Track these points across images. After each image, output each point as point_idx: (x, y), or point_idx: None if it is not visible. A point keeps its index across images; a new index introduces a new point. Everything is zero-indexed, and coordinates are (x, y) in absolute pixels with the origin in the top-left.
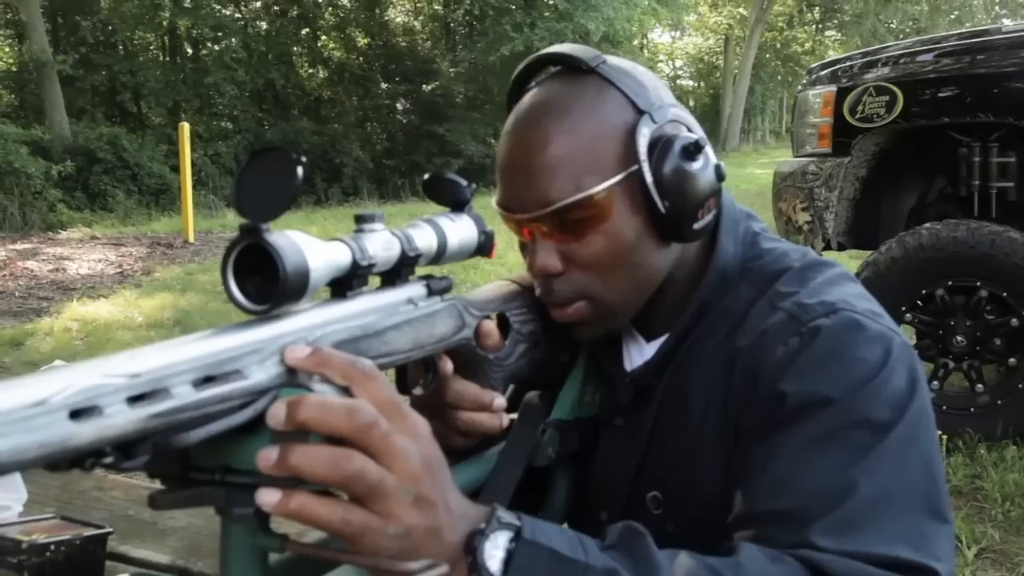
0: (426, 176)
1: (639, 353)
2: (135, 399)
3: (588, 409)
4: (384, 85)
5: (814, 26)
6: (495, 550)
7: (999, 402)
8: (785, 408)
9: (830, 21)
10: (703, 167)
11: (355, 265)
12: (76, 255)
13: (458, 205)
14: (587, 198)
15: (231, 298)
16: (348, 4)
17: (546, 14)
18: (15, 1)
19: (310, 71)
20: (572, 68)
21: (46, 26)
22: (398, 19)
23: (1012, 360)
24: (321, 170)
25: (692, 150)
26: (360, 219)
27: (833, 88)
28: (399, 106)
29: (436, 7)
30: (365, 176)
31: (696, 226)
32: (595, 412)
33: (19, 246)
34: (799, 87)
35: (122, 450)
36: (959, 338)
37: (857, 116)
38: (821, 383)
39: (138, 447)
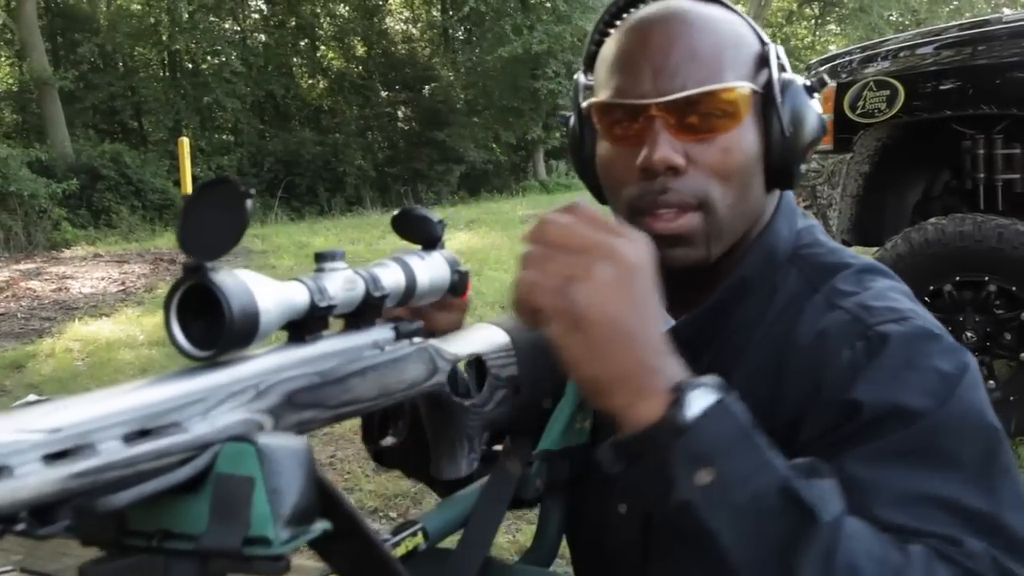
0: (395, 213)
1: None
2: (53, 457)
3: (578, 437)
4: (384, 93)
5: (813, 20)
6: (700, 400)
7: (1011, 398)
8: (861, 419)
9: (829, 15)
10: (816, 110)
11: (313, 306)
12: (79, 274)
13: (429, 242)
14: (730, 90)
15: (174, 343)
16: (346, 14)
17: (544, 17)
18: (14, 22)
19: (310, 81)
20: None
21: (46, 45)
22: (396, 27)
23: (1023, 355)
24: (324, 180)
25: (814, 89)
26: (320, 257)
27: (833, 84)
28: (400, 114)
29: (434, 14)
30: (368, 185)
31: (801, 169)
32: (586, 440)
33: (23, 266)
34: None
35: (38, 515)
36: (969, 334)
37: (858, 111)
38: (900, 393)
39: (57, 511)
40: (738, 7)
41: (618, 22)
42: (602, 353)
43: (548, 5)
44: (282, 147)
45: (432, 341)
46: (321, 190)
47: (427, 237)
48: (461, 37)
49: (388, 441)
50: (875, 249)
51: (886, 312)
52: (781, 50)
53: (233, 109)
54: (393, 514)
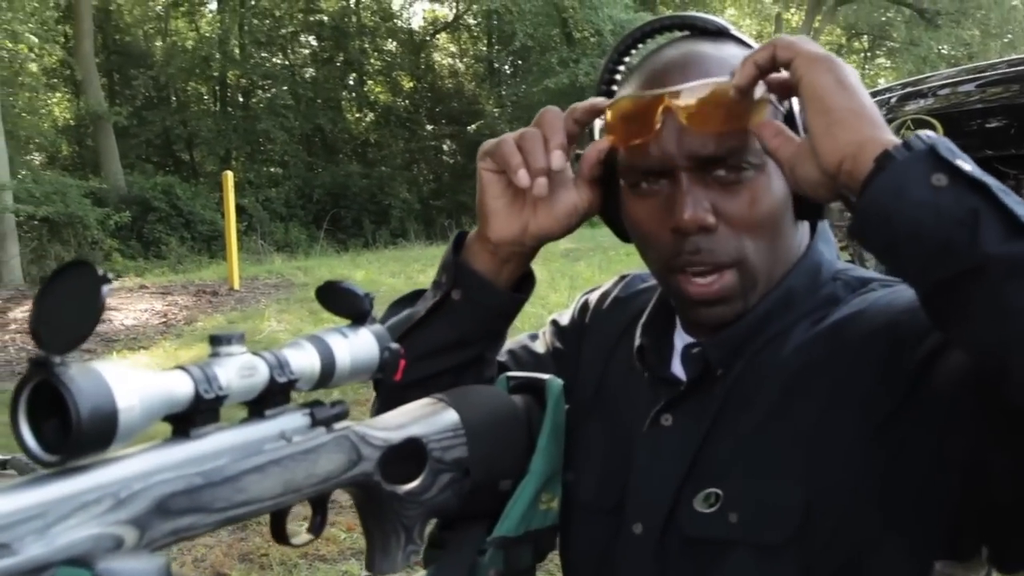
0: (319, 287)
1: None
2: None
3: (542, 518)
4: (430, 127)
5: (862, 54)
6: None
7: None
8: None
9: (879, 49)
10: None
11: (198, 398)
12: (124, 305)
13: (358, 317)
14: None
15: (22, 447)
16: (393, 49)
17: (589, 51)
18: (72, 58)
19: (357, 115)
20: (703, 31)
21: (102, 81)
22: (443, 61)
23: None
24: (369, 213)
25: None
26: (215, 341)
27: None
28: (445, 147)
29: (481, 48)
30: (413, 217)
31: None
32: (553, 521)
33: None
34: None
35: None
36: None
37: None
38: None
39: None
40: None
41: (627, 59)
42: (850, 88)
43: (593, 40)
44: (330, 179)
45: (356, 426)
46: (367, 222)
47: (354, 312)
48: (508, 71)
49: (303, 539)
50: None
51: None
52: None
53: (282, 142)
54: None
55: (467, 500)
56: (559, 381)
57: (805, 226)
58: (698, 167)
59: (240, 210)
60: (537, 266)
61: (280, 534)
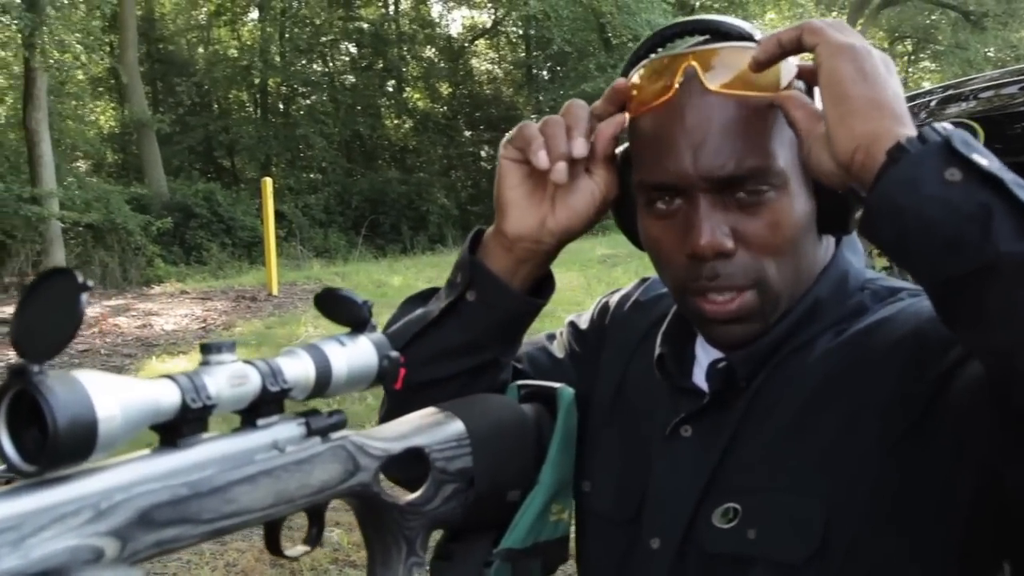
0: (317, 294)
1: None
2: None
3: (552, 530)
4: (468, 133)
5: (906, 58)
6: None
7: None
8: None
9: (923, 52)
10: None
11: (185, 408)
12: (164, 311)
13: (357, 325)
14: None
15: (3, 456)
16: (432, 56)
17: (627, 56)
18: (119, 65)
19: (396, 122)
20: (727, 37)
21: (146, 89)
22: (482, 67)
23: None
24: (407, 219)
25: None
26: (205, 350)
27: None
28: (483, 153)
29: (519, 53)
30: (450, 223)
31: (856, 215)
32: (563, 533)
33: (113, 302)
34: None
35: None
36: None
37: None
38: None
39: None
40: None
41: (645, 63)
42: (872, 78)
43: (631, 45)
44: (368, 186)
45: (354, 436)
46: (405, 228)
47: (353, 319)
48: (546, 76)
49: (299, 550)
50: None
51: None
52: None
53: (321, 148)
54: None
55: (472, 511)
56: (570, 390)
57: (830, 237)
58: (716, 189)
59: (280, 216)
60: (573, 272)
61: (274, 546)
